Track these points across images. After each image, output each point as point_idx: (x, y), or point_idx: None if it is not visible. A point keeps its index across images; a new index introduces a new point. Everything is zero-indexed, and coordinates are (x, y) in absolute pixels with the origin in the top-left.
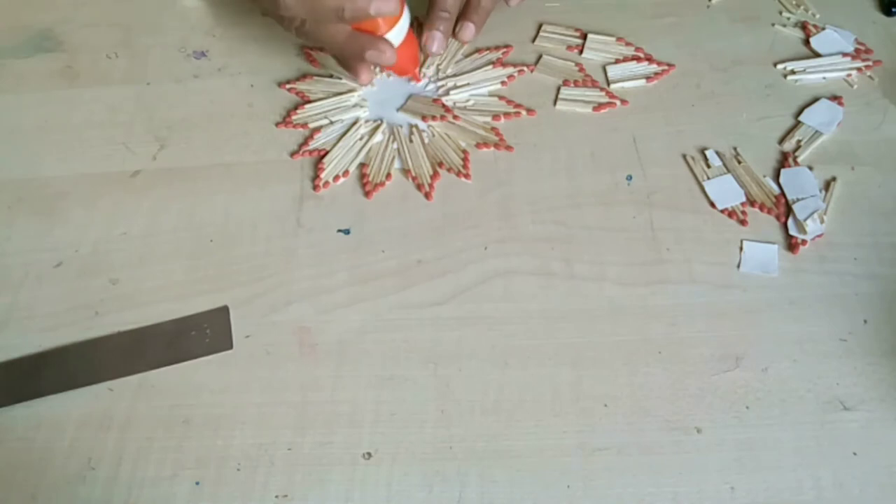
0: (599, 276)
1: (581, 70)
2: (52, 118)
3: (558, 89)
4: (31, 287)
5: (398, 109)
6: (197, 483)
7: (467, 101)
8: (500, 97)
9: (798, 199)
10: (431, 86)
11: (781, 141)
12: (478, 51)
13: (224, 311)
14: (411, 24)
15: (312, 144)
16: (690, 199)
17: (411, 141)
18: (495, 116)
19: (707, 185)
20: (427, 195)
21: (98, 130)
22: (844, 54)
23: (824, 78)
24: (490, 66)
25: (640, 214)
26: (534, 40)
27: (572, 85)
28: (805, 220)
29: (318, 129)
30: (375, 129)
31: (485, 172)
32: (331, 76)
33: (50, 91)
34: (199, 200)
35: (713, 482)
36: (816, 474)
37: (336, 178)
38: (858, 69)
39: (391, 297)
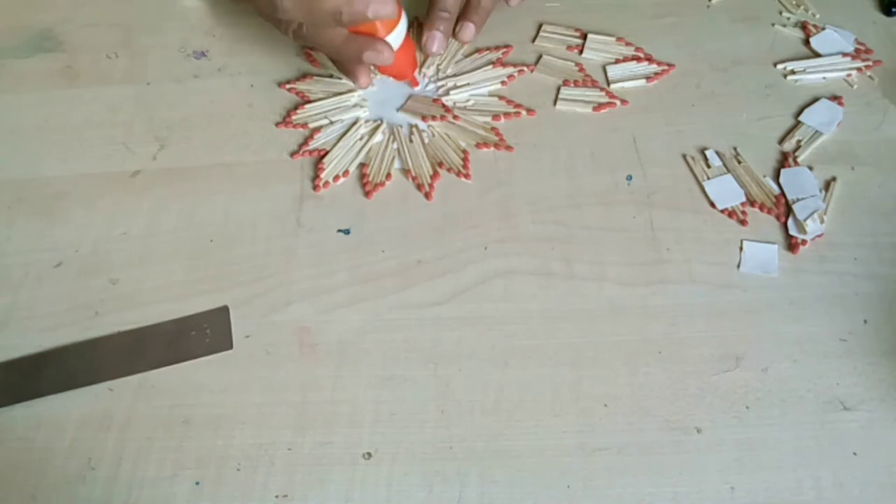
0: (599, 276)
1: (581, 70)
2: (52, 118)
3: (558, 89)
4: (31, 287)
5: (398, 109)
6: (197, 483)
7: (467, 101)
8: (500, 97)
9: (798, 199)
10: (431, 86)
11: (781, 141)
12: (478, 51)
13: (224, 311)
14: (410, 27)
15: (312, 144)
16: (690, 199)
17: (411, 141)
18: (495, 116)
19: (707, 185)
20: (427, 195)
21: (98, 130)
22: (844, 54)
23: (824, 78)
24: (490, 66)
25: (640, 214)
26: (534, 40)
27: (572, 85)
28: (805, 220)
29: (318, 129)
30: (375, 129)
31: (485, 172)
32: (331, 76)
33: (50, 91)
34: (199, 200)
35: (713, 482)
36: (816, 474)
37: (336, 178)
38: (858, 69)
39: (391, 297)
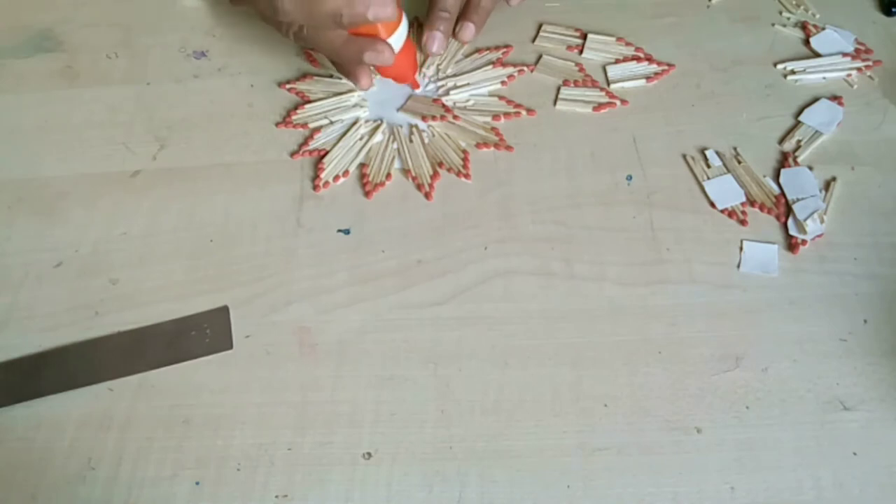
0: (599, 276)
1: (581, 70)
2: (52, 118)
3: (558, 89)
4: (31, 287)
5: (398, 109)
6: (197, 483)
7: (467, 101)
8: (500, 97)
9: (798, 199)
10: (431, 86)
11: (781, 141)
12: (478, 51)
13: (224, 311)
14: (410, 28)
15: (312, 144)
16: (690, 199)
17: (411, 141)
18: (495, 116)
19: (707, 185)
20: (427, 195)
21: (98, 130)
22: (844, 54)
23: (824, 78)
24: (490, 66)
25: (640, 214)
26: (534, 40)
27: (572, 85)
28: (805, 220)
29: (318, 129)
30: (375, 129)
31: (485, 172)
32: (331, 76)
33: (50, 91)
34: (199, 200)
35: (713, 482)
36: (816, 474)
37: (336, 178)
38: (858, 69)
39: (391, 297)
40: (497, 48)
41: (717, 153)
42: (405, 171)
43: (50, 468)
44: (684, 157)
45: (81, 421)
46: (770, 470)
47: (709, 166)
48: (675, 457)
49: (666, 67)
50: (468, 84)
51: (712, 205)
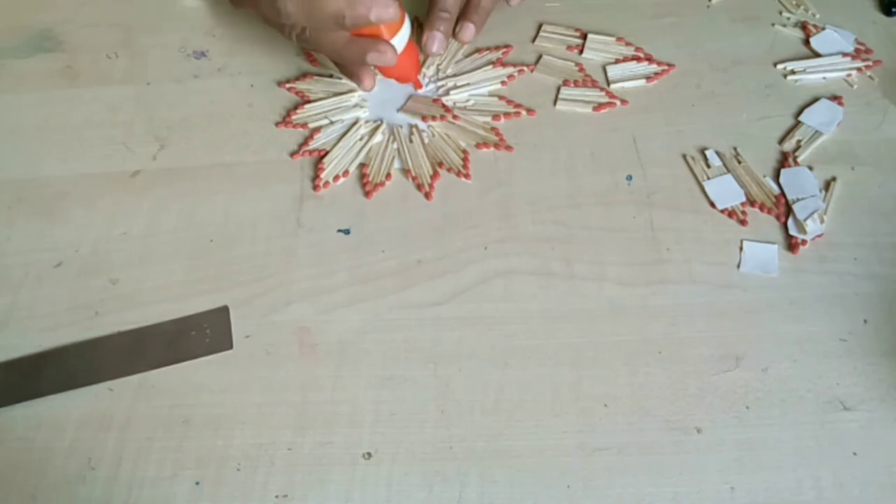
0: (599, 276)
1: (581, 70)
2: (52, 118)
3: (558, 89)
4: (31, 287)
5: (398, 110)
6: (197, 483)
7: (467, 101)
8: (500, 97)
9: (798, 199)
10: (431, 86)
11: (781, 141)
12: (478, 51)
13: (224, 311)
14: (411, 29)
15: (312, 144)
16: (690, 199)
17: (411, 141)
18: (495, 116)
19: (707, 185)
20: (427, 195)
21: (98, 130)
22: (844, 54)
23: (824, 78)
24: (490, 66)
25: (640, 214)
26: (534, 40)
27: (572, 85)
28: (805, 220)
29: (318, 129)
30: (375, 129)
31: (485, 172)
32: (331, 76)
33: (50, 91)
34: (199, 200)
35: (713, 482)
36: (816, 474)
37: (336, 178)
38: (858, 69)
39: (391, 297)
40: (497, 48)
41: (717, 153)
42: (405, 171)
43: (50, 468)
44: (684, 157)
45: (81, 421)
46: (770, 470)
47: (709, 166)
48: (675, 457)
49: (666, 67)
50: (468, 84)
51: (712, 205)
